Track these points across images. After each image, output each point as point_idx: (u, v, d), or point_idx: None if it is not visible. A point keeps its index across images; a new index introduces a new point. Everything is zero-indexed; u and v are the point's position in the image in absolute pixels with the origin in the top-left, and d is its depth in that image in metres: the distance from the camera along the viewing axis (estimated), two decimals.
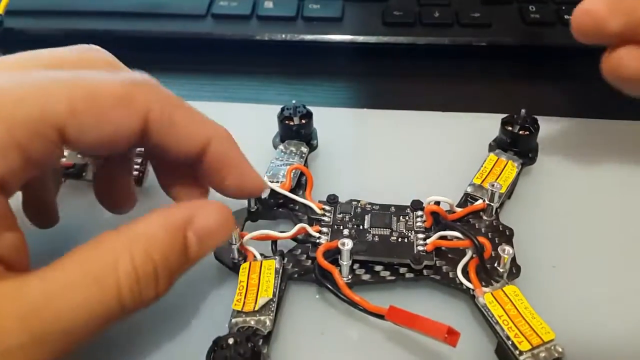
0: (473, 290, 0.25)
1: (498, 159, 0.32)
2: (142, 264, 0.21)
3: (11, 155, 0.20)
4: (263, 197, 0.30)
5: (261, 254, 0.27)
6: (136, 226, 0.22)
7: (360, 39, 0.43)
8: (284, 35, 0.43)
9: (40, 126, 0.20)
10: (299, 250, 0.28)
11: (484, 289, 0.25)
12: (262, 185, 0.27)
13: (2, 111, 0.19)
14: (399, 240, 0.28)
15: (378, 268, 0.27)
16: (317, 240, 0.28)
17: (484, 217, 0.30)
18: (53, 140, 0.21)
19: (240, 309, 0.24)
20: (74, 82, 0.21)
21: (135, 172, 0.32)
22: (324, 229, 0.28)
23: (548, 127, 0.33)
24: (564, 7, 0.44)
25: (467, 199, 0.31)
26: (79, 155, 0.31)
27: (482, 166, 0.32)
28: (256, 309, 0.24)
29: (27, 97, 0.20)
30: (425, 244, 0.27)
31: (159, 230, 0.22)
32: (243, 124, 0.37)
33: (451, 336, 0.22)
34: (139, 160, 0.32)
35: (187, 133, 0.24)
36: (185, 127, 0.24)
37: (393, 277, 0.27)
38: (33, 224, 0.27)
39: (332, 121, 0.37)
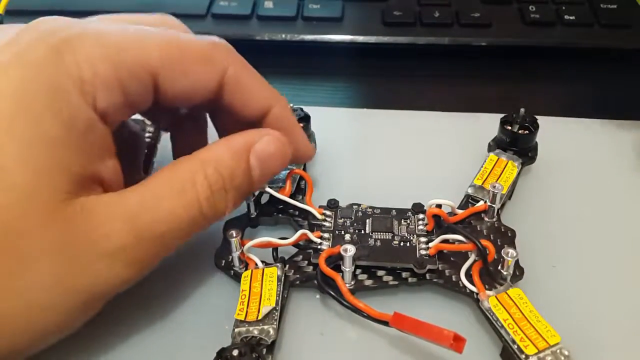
0: (477, 293, 0.25)
1: (498, 159, 0.32)
2: (214, 180, 0.24)
3: (115, 92, 0.23)
4: (262, 202, 0.30)
5: (262, 261, 0.27)
6: (206, 151, 0.25)
7: (360, 39, 0.43)
8: (284, 35, 0.43)
9: (139, 70, 0.23)
10: (301, 257, 0.28)
11: (488, 292, 0.25)
12: (312, 151, 0.30)
13: (110, 54, 0.22)
14: (401, 244, 0.28)
15: (380, 273, 0.27)
16: (319, 246, 0.28)
17: (486, 219, 0.30)
18: (147, 84, 0.24)
19: (243, 319, 0.24)
20: (166, 37, 0.24)
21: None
22: (325, 235, 0.28)
23: (547, 126, 0.33)
24: (564, 7, 0.44)
25: (468, 201, 0.30)
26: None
27: (482, 167, 0.32)
28: (259, 318, 0.24)
29: (129, 45, 0.23)
30: (428, 248, 0.27)
31: (225, 153, 0.25)
32: None
33: (457, 343, 0.22)
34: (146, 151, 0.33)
35: (255, 94, 0.27)
36: (254, 88, 0.27)
37: (396, 282, 0.27)
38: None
39: (331, 121, 0.37)
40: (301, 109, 0.33)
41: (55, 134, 0.21)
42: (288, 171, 0.30)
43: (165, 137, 0.34)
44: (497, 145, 0.33)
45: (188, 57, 0.24)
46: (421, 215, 0.29)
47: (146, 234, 0.22)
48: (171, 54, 0.24)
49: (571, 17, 0.43)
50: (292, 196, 0.30)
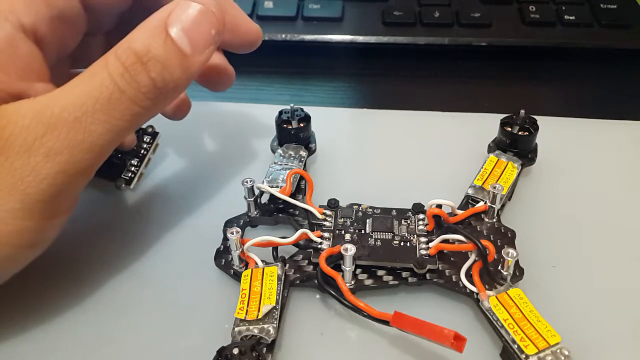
0: (477, 293, 0.25)
1: (498, 160, 0.32)
2: (126, 56, 0.22)
3: (38, 5, 0.22)
4: (263, 202, 0.30)
5: (262, 261, 0.27)
6: (123, 39, 0.23)
7: (360, 39, 0.43)
8: (284, 35, 0.43)
9: None
10: (301, 256, 0.28)
11: (488, 292, 0.25)
12: (257, 30, 0.28)
13: None
14: (402, 244, 0.28)
15: (381, 272, 0.27)
16: (319, 246, 0.28)
17: (486, 219, 0.30)
18: None
19: (243, 317, 0.24)
20: None
21: (129, 174, 0.32)
22: (326, 234, 0.28)
23: (548, 127, 0.33)
24: (564, 7, 0.44)
25: (468, 201, 0.30)
26: None
27: (482, 167, 0.32)
28: (260, 317, 0.24)
29: None
30: (428, 248, 0.27)
31: (137, 32, 0.23)
32: (243, 124, 0.37)
33: (458, 342, 0.22)
34: (135, 162, 0.32)
35: None
36: None
37: (396, 282, 0.27)
38: None
39: (332, 121, 0.37)
40: (301, 109, 0.33)
41: None
42: (288, 171, 0.30)
43: (162, 147, 0.34)
44: (497, 146, 0.33)
45: None
46: (421, 216, 0.29)
47: (58, 121, 0.21)
48: None
49: (571, 17, 0.43)
50: (292, 196, 0.30)
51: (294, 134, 0.33)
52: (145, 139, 0.33)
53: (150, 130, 0.33)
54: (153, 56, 0.22)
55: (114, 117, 0.22)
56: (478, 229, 0.29)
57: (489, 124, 0.34)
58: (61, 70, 0.26)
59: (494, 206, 0.29)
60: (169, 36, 0.23)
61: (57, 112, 0.21)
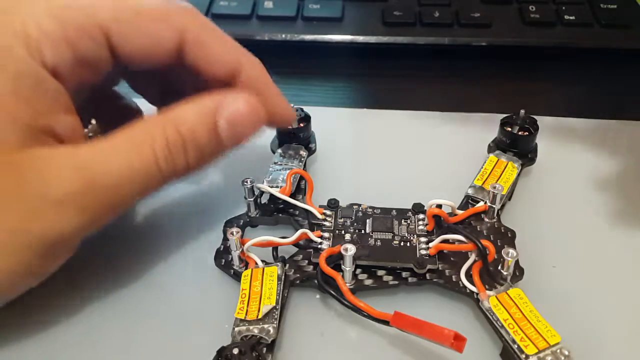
0: (477, 293, 0.25)
1: (498, 160, 0.32)
2: (173, 137, 0.24)
3: (62, 48, 0.23)
4: (263, 202, 0.30)
5: (262, 261, 0.27)
6: (172, 110, 0.24)
7: (360, 39, 0.43)
8: (284, 35, 0.43)
9: (88, 25, 0.23)
10: (301, 256, 0.28)
11: (488, 292, 0.25)
12: (293, 114, 0.29)
13: (57, 11, 0.23)
14: (401, 244, 0.28)
15: (381, 272, 0.27)
16: (319, 246, 0.28)
17: (486, 219, 0.30)
18: (100, 41, 0.24)
19: (243, 318, 0.24)
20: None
21: None
22: (326, 234, 0.28)
23: (548, 127, 0.33)
24: (564, 7, 0.44)
25: (468, 201, 0.30)
26: None
27: (482, 167, 0.32)
28: (259, 317, 0.24)
29: (76, 3, 0.24)
30: (428, 248, 0.27)
31: (189, 113, 0.24)
32: None
33: (458, 342, 0.22)
34: None
35: (219, 54, 0.26)
36: (218, 48, 0.26)
37: (396, 282, 0.27)
38: None
39: (331, 121, 0.37)
40: (301, 109, 0.33)
41: (3, 88, 0.21)
42: (288, 171, 0.30)
43: None
44: (497, 146, 0.33)
45: (142, 15, 0.25)
46: (421, 215, 0.29)
47: (97, 183, 0.22)
48: (123, 11, 0.24)
49: (571, 17, 0.43)
50: (292, 196, 0.30)
51: (294, 134, 0.33)
52: None
53: None
54: (197, 143, 0.24)
55: (145, 190, 0.24)
56: (478, 229, 0.29)
57: (489, 124, 0.34)
58: (86, 99, 0.27)
59: (494, 206, 0.29)
60: (215, 125, 0.24)
61: (98, 174, 0.22)
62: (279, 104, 0.28)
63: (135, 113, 0.32)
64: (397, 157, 0.35)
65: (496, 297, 0.25)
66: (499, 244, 0.28)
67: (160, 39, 0.25)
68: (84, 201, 0.22)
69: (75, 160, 0.22)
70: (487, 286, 0.26)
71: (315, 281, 0.26)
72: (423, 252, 0.27)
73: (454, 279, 0.27)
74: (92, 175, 0.22)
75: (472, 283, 0.26)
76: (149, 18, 0.25)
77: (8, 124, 0.21)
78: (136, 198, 0.24)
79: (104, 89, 0.31)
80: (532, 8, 0.44)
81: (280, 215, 0.30)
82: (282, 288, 0.25)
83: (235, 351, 0.22)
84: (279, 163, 0.32)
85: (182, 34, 0.25)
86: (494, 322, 0.24)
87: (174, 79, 0.29)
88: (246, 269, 0.26)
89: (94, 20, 0.24)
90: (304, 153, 0.33)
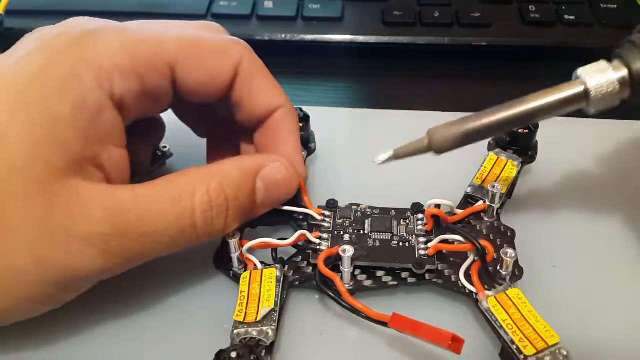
0: (476, 294, 0.25)
1: (498, 158, 0.32)
2: (216, 195, 0.24)
3: (132, 80, 0.24)
4: None
5: (261, 262, 0.27)
6: (215, 165, 0.25)
7: (360, 39, 0.43)
8: (284, 35, 0.43)
9: (156, 60, 0.24)
10: (300, 257, 0.28)
11: (487, 292, 0.25)
12: (304, 174, 0.29)
13: (129, 45, 0.24)
14: (400, 244, 0.28)
15: (380, 273, 0.27)
16: (318, 247, 0.28)
17: (485, 218, 0.29)
18: (165, 74, 0.25)
19: (242, 320, 0.24)
20: (183, 33, 0.26)
21: None
22: (324, 235, 0.28)
23: (547, 126, 0.33)
24: (564, 7, 0.44)
25: (467, 200, 0.30)
26: None
27: (481, 166, 0.31)
28: (258, 319, 0.24)
29: (147, 37, 0.25)
30: (427, 248, 0.27)
31: (233, 171, 0.25)
32: None
33: (455, 343, 0.22)
34: None
35: (264, 94, 0.28)
36: (265, 85, 0.28)
37: (395, 282, 0.27)
38: None
39: (331, 121, 0.37)
40: (301, 109, 0.33)
41: (61, 113, 0.22)
42: None
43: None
44: (497, 144, 0.33)
45: (204, 48, 0.26)
46: (420, 215, 0.29)
47: (127, 230, 0.22)
48: (188, 45, 0.25)
49: (571, 17, 0.43)
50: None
51: None
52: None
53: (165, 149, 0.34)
54: (238, 204, 0.25)
55: (175, 244, 0.24)
56: (478, 228, 0.29)
57: None
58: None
59: (493, 205, 0.29)
60: (254, 187, 0.25)
61: (131, 220, 0.22)
62: (295, 158, 0.28)
63: (159, 125, 0.32)
64: None
65: (495, 297, 0.25)
66: (498, 243, 0.28)
67: (218, 70, 0.26)
68: (110, 245, 0.22)
69: (109, 201, 0.22)
70: (486, 286, 0.26)
71: (314, 282, 0.26)
72: (422, 252, 0.27)
73: (453, 279, 0.27)
74: (124, 220, 0.22)
75: (471, 283, 0.26)
76: (210, 50, 0.26)
77: (55, 149, 0.22)
78: (165, 252, 0.24)
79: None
80: (532, 8, 0.44)
81: (280, 216, 0.30)
82: (281, 290, 0.25)
83: (234, 354, 0.22)
84: None
85: (237, 66, 0.26)
86: (493, 322, 0.24)
87: (216, 111, 0.30)
88: (245, 270, 0.26)
89: (162, 55, 0.25)
90: (303, 153, 0.33)
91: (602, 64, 0.25)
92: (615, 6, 0.44)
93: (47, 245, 0.21)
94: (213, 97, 0.27)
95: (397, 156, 0.26)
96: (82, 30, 0.24)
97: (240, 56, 0.27)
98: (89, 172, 0.23)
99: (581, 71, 0.25)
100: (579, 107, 0.25)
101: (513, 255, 0.25)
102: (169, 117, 0.31)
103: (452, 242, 0.27)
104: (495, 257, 0.27)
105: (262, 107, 0.28)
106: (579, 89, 0.24)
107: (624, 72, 0.24)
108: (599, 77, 0.24)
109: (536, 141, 0.33)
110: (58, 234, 0.21)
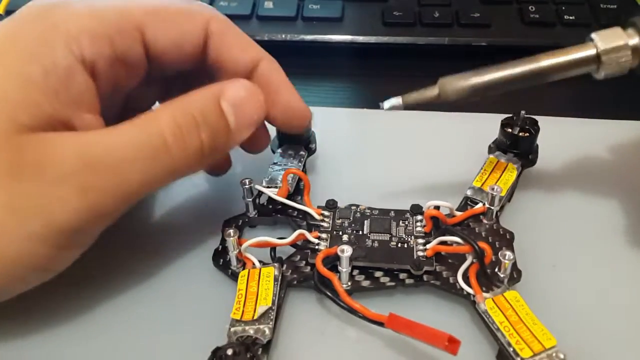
0: (474, 295, 0.25)
1: (498, 161, 0.32)
2: (182, 116, 0.24)
3: (101, 44, 0.24)
4: (261, 202, 0.30)
5: (260, 261, 0.27)
6: (176, 99, 0.25)
7: (360, 39, 0.43)
8: (284, 36, 0.43)
9: (124, 24, 0.25)
10: (298, 257, 0.28)
11: (485, 294, 0.25)
12: (308, 111, 0.30)
13: (97, 11, 0.24)
14: (399, 245, 0.28)
15: (378, 274, 0.27)
16: (316, 247, 0.28)
17: (485, 221, 0.30)
18: (135, 38, 0.25)
19: (239, 318, 0.24)
20: (148, 0, 0.26)
21: None
22: (323, 235, 0.28)
23: (548, 127, 0.33)
24: (564, 7, 0.44)
25: (467, 203, 0.30)
26: None
27: (482, 169, 0.32)
28: (255, 317, 0.24)
29: (113, 5, 0.25)
30: (425, 249, 0.27)
31: (195, 96, 0.25)
32: None
33: (452, 344, 0.22)
34: None
35: (240, 49, 0.28)
36: (239, 42, 0.28)
37: (393, 283, 0.27)
38: None
39: (331, 121, 0.37)
40: None
41: (32, 75, 0.22)
42: (284, 171, 0.30)
43: None
44: (497, 147, 0.33)
45: (170, 11, 0.26)
46: (419, 217, 0.29)
47: (96, 162, 0.22)
48: (153, 10, 0.26)
49: (571, 17, 0.43)
50: (291, 196, 0.30)
51: (293, 134, 0.33)
52: None
53: None
54: (208, 121, 0.24)
55: (152, 171, 0.23)
56: (477, 231, 0.29)
57: (489, 125, 0.34)
58: (113, 107, 0.27)
59: (492, 208, 0.29)
60: (221, 108, 0.25)
61: (98, 153, 0.22)
62: (294, 100, 0.29)
63: None
64: (397, 157, 0.35)
65: (492, 299, 0.25)
66: (497, 245, 0.28)
67: (189, 32, 0.26)
68: (81, 181, 0.22)
69: (78, 141, 0.22)
70: (484, 288, 0.26)
71: (312, 282, 0.26)
72: (420, 253, 0.27)
73: (450, 281, 0.27)
74: (93, 153, 0.22)
75: (469, 285, 0.26)
76: (177, 12, 0.27)
77: (23, 108, 0.22)
78: (145, 183, 0.23)
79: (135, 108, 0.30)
80: (532, 8, 0.44)
81: (279, 215, 0.30)
82: (278, 289, 0.26)
83: (230, 352, 0.22)
84: (279, 163, 0.32)
85: (206, 27, 0.27)
86: (490, 324, 0.24)
87: (197, 85, 0.29)
88: (244, 269, 0.27)
89: (129, 17, 0.25)
90: (303, 153, 0.33)
91: (616, 30, 0.25)
92: (615, 6, 0.44)
93: (22, 194, 0.21)
94: (188, 60, 0.27)
95: (405, 103, 0.26)
96: (51, 0, 0.24)
97: (207, 16, 0.27)
98: (59, 131, 0.23)
99: (595, 35, 0.25)
100: (589, 69, 0.26)
101: (511, 257, 0.25)
102: None
103: (451, 244, 0.27)
104: (493, 259, 0.27)
105: (242, 62, 0.28)
106: (591, 51, 0.25)
107: (636, 39, 0.24)
108: (612, 42, 0.25)
109: (537, 145, 0.33)
110: (32, 182, 0.21)
